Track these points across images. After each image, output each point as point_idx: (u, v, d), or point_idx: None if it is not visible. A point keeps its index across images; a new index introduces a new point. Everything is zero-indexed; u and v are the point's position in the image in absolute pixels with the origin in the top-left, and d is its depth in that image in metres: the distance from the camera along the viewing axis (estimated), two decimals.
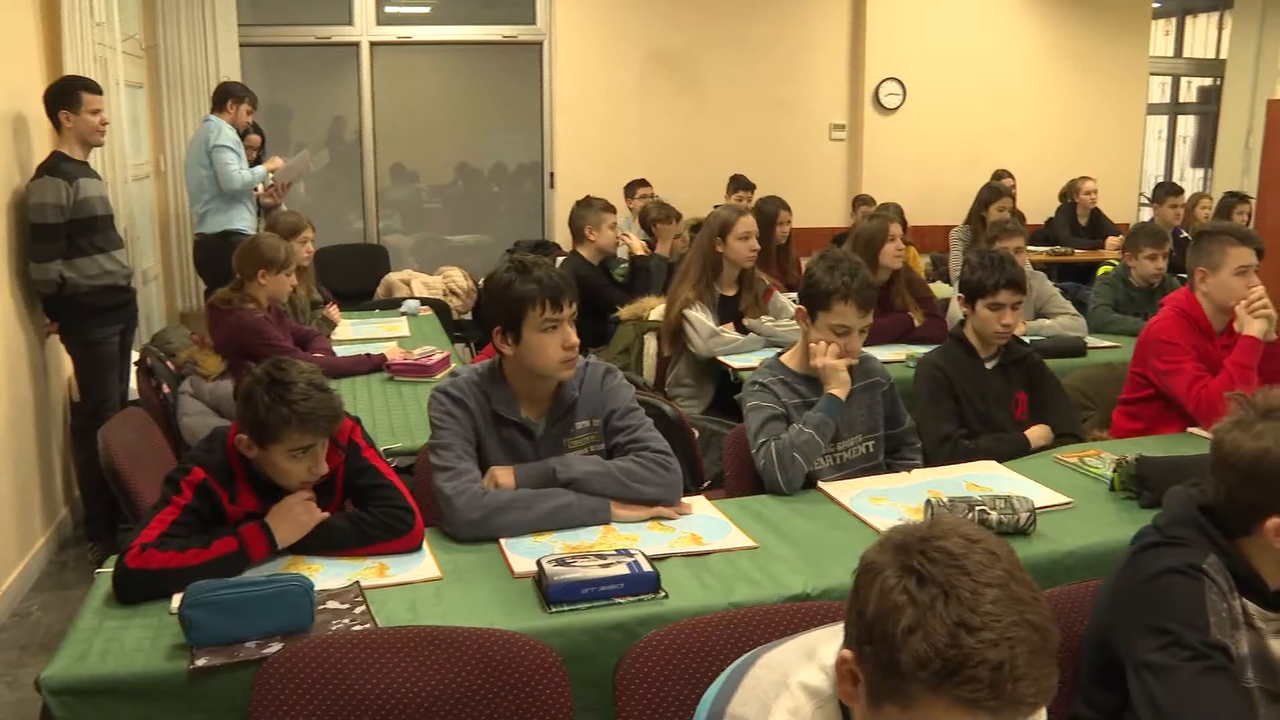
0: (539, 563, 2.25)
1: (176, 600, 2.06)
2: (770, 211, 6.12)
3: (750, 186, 7.91)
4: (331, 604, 2.14)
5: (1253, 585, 1.82)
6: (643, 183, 7.93)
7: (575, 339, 2.64)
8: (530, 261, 2.64)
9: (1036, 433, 3.36)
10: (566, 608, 2.15)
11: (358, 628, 2.04)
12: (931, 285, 5.67)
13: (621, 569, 2.22)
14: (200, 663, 1.94)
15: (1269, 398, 1.82)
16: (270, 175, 6.45)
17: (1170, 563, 1.81)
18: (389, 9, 8.31)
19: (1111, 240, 8.04)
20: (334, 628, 2.04)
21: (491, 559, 2.41)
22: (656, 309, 4.67)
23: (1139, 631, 1.79)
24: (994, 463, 3.05)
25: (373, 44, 8.20)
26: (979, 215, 6.97)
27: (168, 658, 1.98)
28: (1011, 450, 3.22)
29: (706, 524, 2.61)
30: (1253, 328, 3.44)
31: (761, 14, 8.79)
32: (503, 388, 2.69)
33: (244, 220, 6.25)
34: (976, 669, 1.15)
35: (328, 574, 2.30)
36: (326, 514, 2.43)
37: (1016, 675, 1.15)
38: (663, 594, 2.21)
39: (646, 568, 2.24)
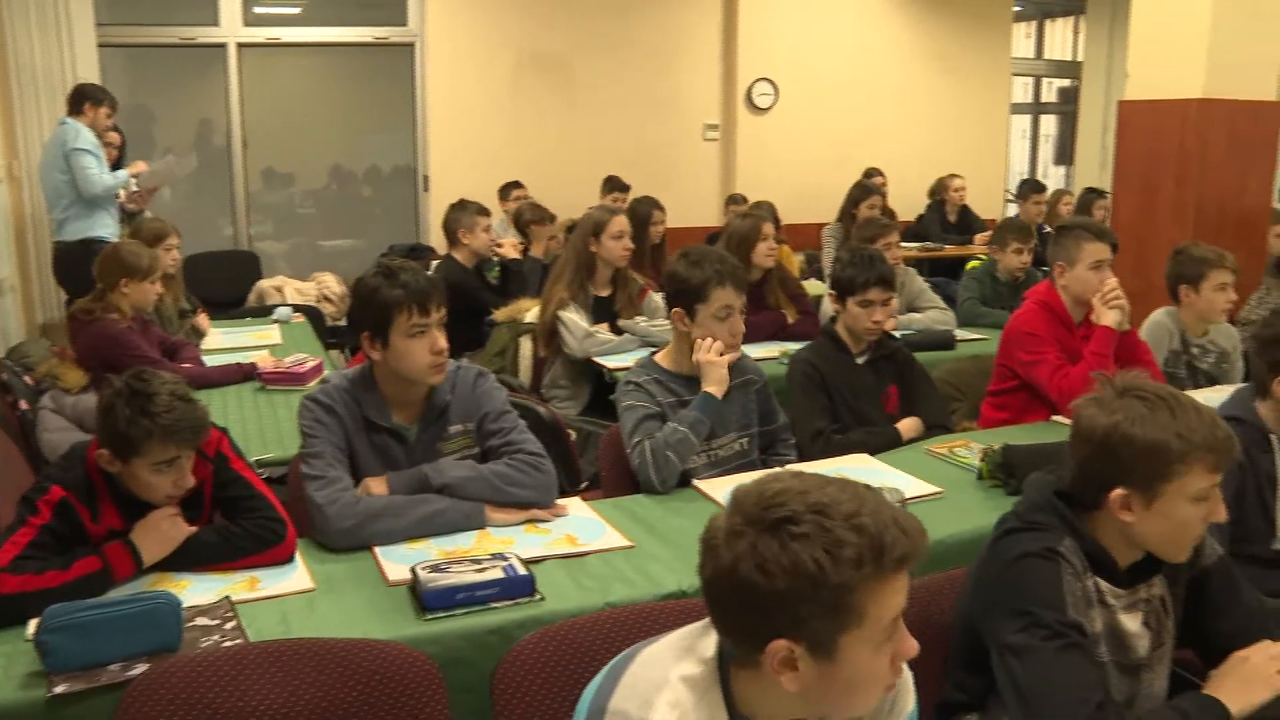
0: (413, 569, 2.22)
1: (33, 625, 1.98)
2: (643, 212, 6.15)
3: (625, 187, 7.94)
4: (200, 620, 2.08)
5: (1104, 564, 1.89)
6: (517, 184, 7.90)
7: (444, 343, 2.62)
8: (397, 266, 2.61)
9: (907, 425, 3.44)
10: (442, 614, 2.13)
11: (228, 644, 1.99)
12: (805, 283, 5.77)
13: (497, 573, 2.21)
14: (59, 690, 1.86)
15: (1127, 378, 1.90)
16: (134, 180, 6.26)
17: (1028, 547, 1.87)
18: (257, 9, 8.12)
19: (980, 236, 8.26)
20: (203, 645, 1.99)
21: (366, 568, 2.38)
22: (532, 311, 4.66)
23: (1001, 614, 1.85)
24: (866, 455, 3.12)
25: (240, 45, 7.99)
26: (850, 213, 7.10)
27: (23, 686, 1.90)
28: (883, 443, 3.29)
29: (582, 525, 2.61)
30: (1108, 318, 3.57)
31: (634, 15, 8.83)
32: (374, 394, 2.65)
33: (106, 227, 6.05)
34: (893, 544, 1.31)
35: (196, 590, 2.24)
36: (194, 528, 2.37)
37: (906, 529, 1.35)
38: (539, 597, 2.21)
39: (522, 571, 2.23)
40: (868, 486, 1.40)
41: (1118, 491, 1.84)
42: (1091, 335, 3.65)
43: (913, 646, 1.41)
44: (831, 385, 3.41)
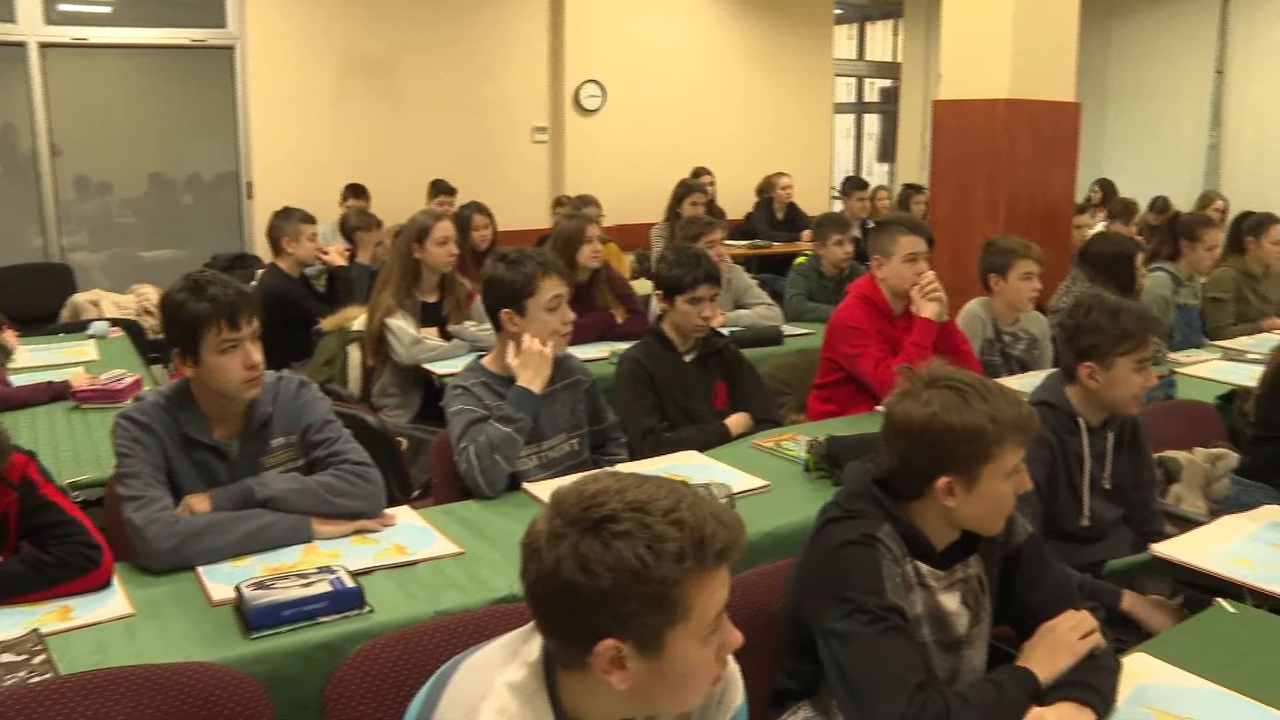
0: (238, 588, 2.17)
1: None
2: (465, 216, 6.12)
3: (451, 190, 7.88)
4: (5, 657, 1.98)
5: (922, 548, 1.97)
6: (358, 190, 7.76)
7: (257, 357, 2.54)
8: (205, 279, 2.52)
9: (736, 420, 3.51)
10: (268, 632, 2.09)
11: (36, 679, 1.90)
12: (636, 282, 5.82)
13: (324, 586, 2.18)
14: None
15: (932, 369, 1.98)
16: None
17: (848, 535, 1.93)
18: (61, 7, 7.72)
19: (806, 233, 8.45)
20: (7, 683, 1.89)
21: (189, 589, 2.31)
22: (359, 319, 4.59)
23: (824, 602, 1.90)
24: (695, 452, 3.16)
25: (43, 45, 7.58)
26: (675, 212, 7.20)
27: None
28: (712, 439, 3.35)
29: (411, 533, 2.59)
30: (927, 310, 3.70)
31: (460, 18, 8.77)
32: (191, 409, 2.57)
33: None
34: (713, 536, 1.34)
35: (1, 624, 2.13)
36: None
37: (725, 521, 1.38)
38: (368, 609, 2.18)
39: (350, 583, 2.20)
40: (684, 482, 1.43)
41: (942, 480, 1.92)
42: (912, 327, 3.78)
43: (737, 638, 1.44)
44: (660, 383, 3.45)
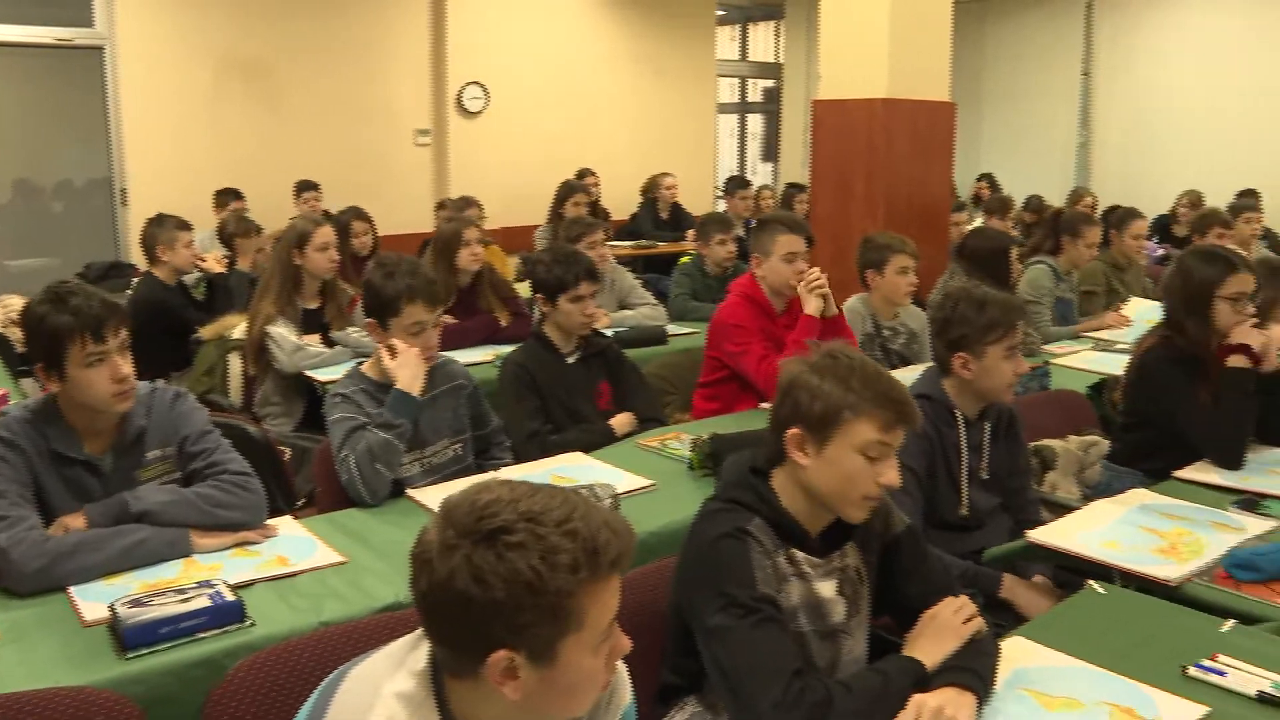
0: (112, 606, 2.10)
1: None
2: (344, 222, 6.04)
3: (314, 186, 7.78)
4: None
5: (796, 534, 2.00)
6: (234, 194, 7.59)
7: (126, 369, 2.46)
8: (67, 290, 2.43)
9: (620, 420, 3.51)
10: (145, 651, 2.03)
11: None
12: (522, 285, 5.79)
13: (203, 601, 2.12)
14: None
15: (832, 345, 2.06)
16: None
17: (721, 529, 1.96)
18: None
19: (691, 233, 8.49)
20: None
21: (58, 610, 2.22)
22: (239, 327, 4.49)
23: (700, 597, 1.92)
24: (580, 454, 3.16)
25: None
26: (557, 213, 7.19)
27: None
28: (596, 440, 3.35)
29: (293, 544, 2.54)
30: (810, 305, 3.76)
31: (340, 18, 8.65)
32: (59, 424, 2.48)
33: None
34: (607, 546, 1.34)
35: None
36: None
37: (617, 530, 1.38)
38: (249, 623, 2.13)
39: (230, 597, 2.15)
40: (575, 491, 1.43)
41: (793, 430, 1.96)
42: (795, 323, 3.84)
43: (626, 644, 1.45)
44: (543, 386, 3.44)
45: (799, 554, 2.00)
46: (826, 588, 2.01)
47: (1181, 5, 10.66)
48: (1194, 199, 8.88)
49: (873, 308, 4.35)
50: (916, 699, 1.83)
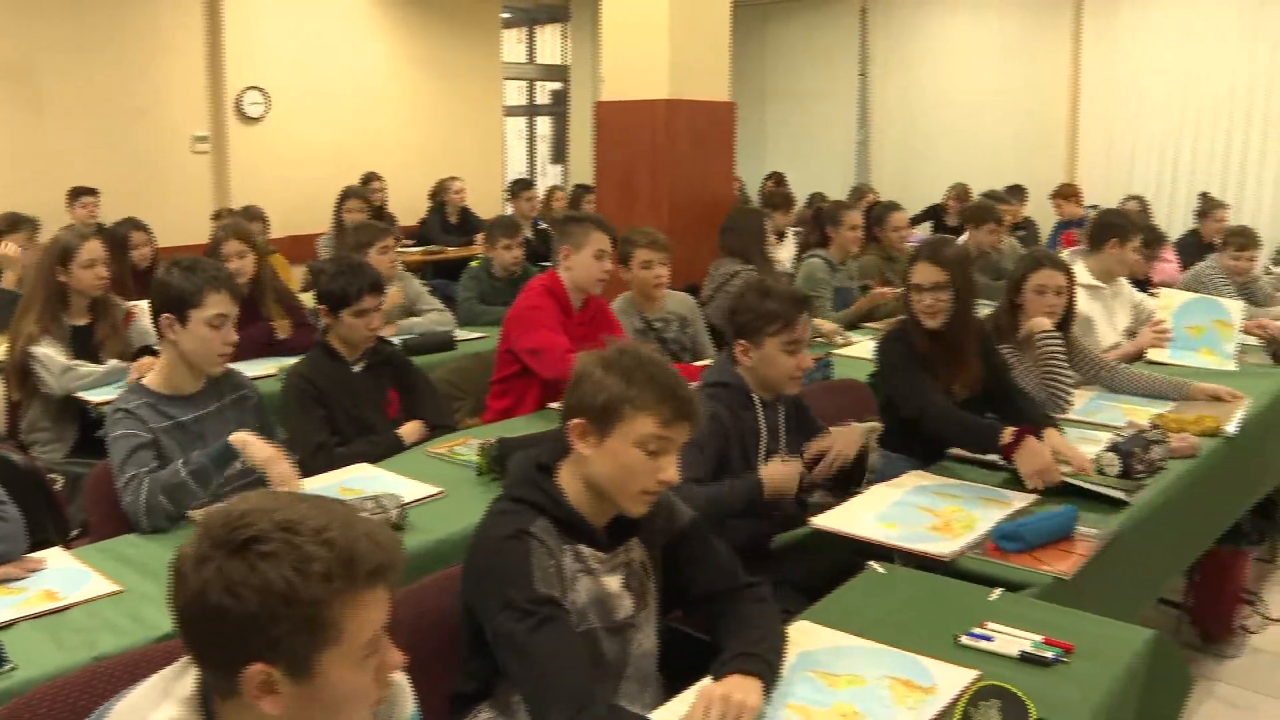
0: None
1: None
2: (120, 234, 5.76)
3: (93, 191, 7.41)
4: None
5: (582, 530, 2.01)
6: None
7: None
8: None
9: (409, 429, 3.45)
10: None
11: None
12: (308, 295, 5.64)
13: None
14: None
15: (626, 342, 2.10)
16: None
17: (501, 530, 1.95)
18: None
19: (480, 236, 8.44)
20: None
21: None
22: (0, 349, 4.21)
23: (484, 600, 1.92)
24: (367, 465, 3.10)
25: None
26: (340, 220, 7.05)
27: None
28: (385, 450, 3.28)
29: (64, 577, 2.40)
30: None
31: (107, 17, 8.22)
32: None
33: None
34: (365, 556, 1.31)
35: None
36: None
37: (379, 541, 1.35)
38: (10, 666, 2.00)
39: None
40: (344, 502, 1.40)
41: (577, 420, 1.98)
42: (590, 322, 3.88)
43: (397, 658, 1.41)
44: (329, 397, 3.35)
45: (585, 549, 2.00)
46: (613, 582, 2.03)
47: (948, 11, 11.20)
48: (961, 192, 9.38)
49: (634, 304, 4.42)
50: (705, 688, 1.86)
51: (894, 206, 6.30)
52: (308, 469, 3.15)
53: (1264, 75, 9.49)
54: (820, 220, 5.89)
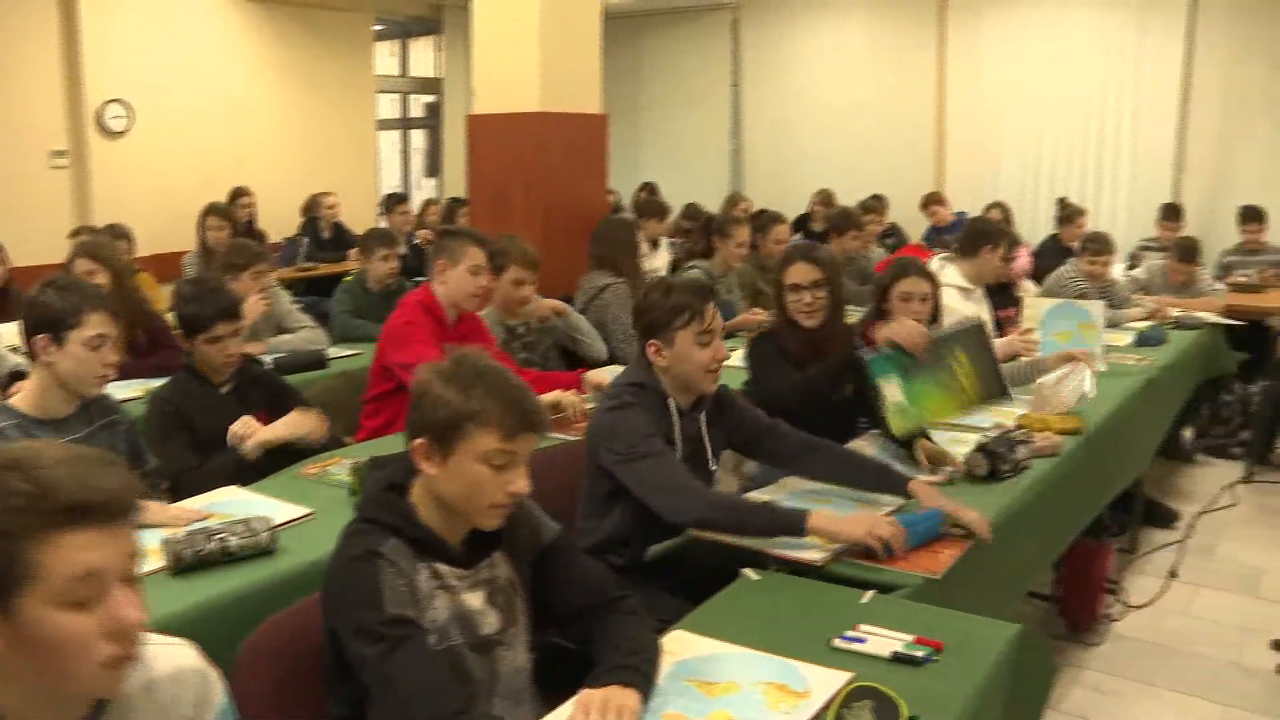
0: None
1: None
2: None
3: None
4: None
5: (438, 548, 1.98)
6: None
7: None
8: None
9: (290, 420, 3.33)
10: None
11: None
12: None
13: None
14: None
15: (466, 351, 2.03)
16: None
17: (352, 551, 1.92)
18: None
19: (353, 252, 8.30)
20: None
21: None
22: None
23: (341, 625, 1.89)
24: (237, 488, 3.02)
25: None
26: (203, 239, 6.88)
27: None
28: (253, 472, 3.19)
29: None
30: None
31: None
32: None
33: None
34: (67, 490, 1.25)
35: None
36: None
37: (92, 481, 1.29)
38: None
39: None
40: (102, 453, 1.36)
41: (419, 441, 1.94)
42: (465, 337, 3.86)
43: (131, 614, 1.31)
44: (196, 420, 3.25)
45: (442, 567, 1.97)
46: (474, 599, 2.00)
47: (818, 22, 11.39)
48: (825, 197, 9.63)
49: (498, 312, 4.44)
50: (584, 695, 1.86)
51: (778, 218, 6.39)
52: (176, 494, 3.07)
53: (1117, 86, 9.88)
54: (709, 230, 5.94)
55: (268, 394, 3.47)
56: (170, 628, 1.94)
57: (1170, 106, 9.64)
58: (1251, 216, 7.87)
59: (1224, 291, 6.85)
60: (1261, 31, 9.26)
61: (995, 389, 3.42)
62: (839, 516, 2.58)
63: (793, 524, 2.56)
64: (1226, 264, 7.94)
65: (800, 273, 3.50)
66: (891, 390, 3.31)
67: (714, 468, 2.96)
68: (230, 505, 2.84)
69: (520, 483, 1.95)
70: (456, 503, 1.96)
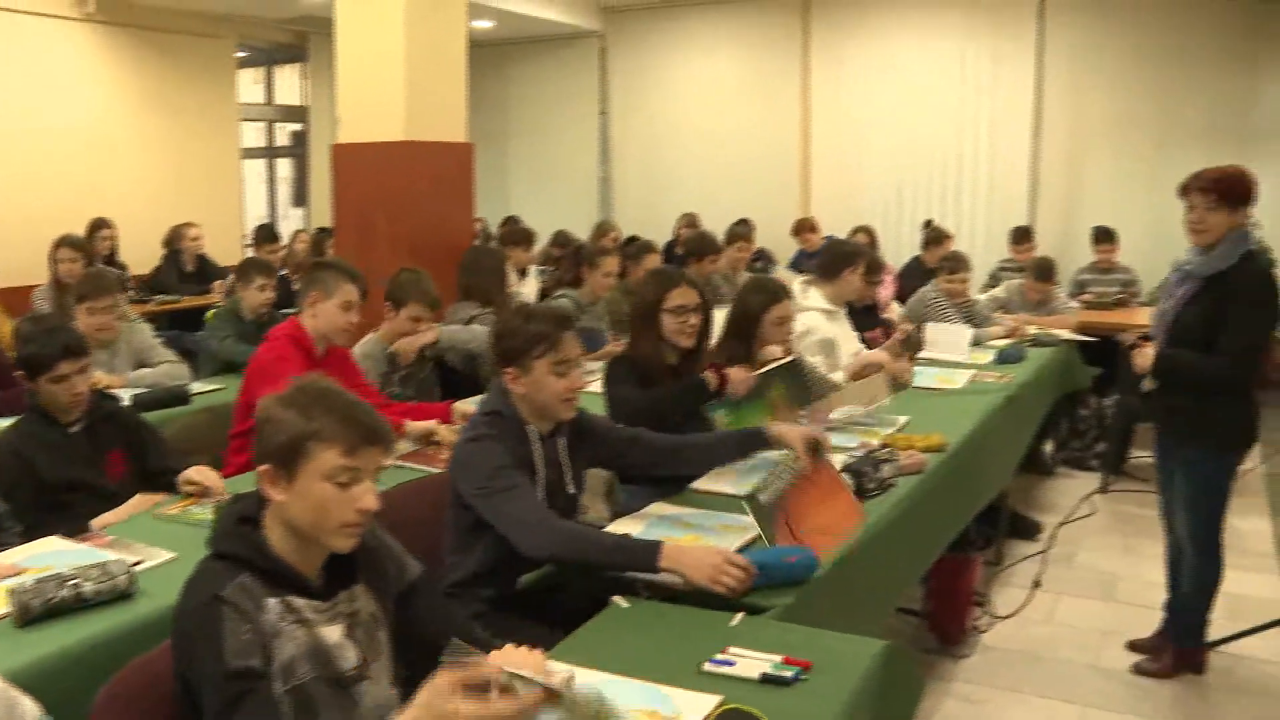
0: None
1: None
2: None
3: None
4: None
5: (291, 580, 1.92)
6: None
7: None
8: None
9: (136, 501, 3.20)
10: None
11: None
12: None
13: None
14: None
15: (311, 378, 2.00)
16: None
17: (195, 599, 1.86)
18: None
19: (219, 284, 8.10)
20: None
21: None
22: None
23: (188, 672, 1.83)
24: (57, 538, 2.83)
25: None
26: (54, 273, 6.65)
27: None
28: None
29: None
30: None
31: None
32: None
33: None
34: None
35: None
36: None
37: None
38: None
39: None
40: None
41: (264, 468, 1.90)
42: (333, 368, 3.80)
43: None
44: (41, 465, 3.09)
45: (296, 600, 1.91)
46: (332, 632, 1.94)
47: (685, 50, 11.53)
48: (691, 220, 9.79)
49: (382, 344, 4.44)
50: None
51: (649, 247, 6.48)
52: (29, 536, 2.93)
53: (974, 114, 10.26)
54: (578, 259, 5.96)
55: (123, 432, 3.33)
56: (20, 680, 1.86)
57: (1024, 133, 10.05)
58: (1103, 237, 8.24)
59: (1078, 309, 7.14)
60: (1103, 64, 9.74)
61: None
62: (690, 553, 2.53)
63: (645, 561, 2.53)
64: (1081, 281, 8.29)
65: (686, 295, 3.61)
66: (719, 418, 3.62)
67: (573, 491, 2.95)
68: (74, 555, 2.67)
69: (368, 499, 1.92)
70: (307, 527, 1.91)
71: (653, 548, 2.53)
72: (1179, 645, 4.06)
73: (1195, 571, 3.96)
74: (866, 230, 8.97)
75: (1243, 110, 9.33)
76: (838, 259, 5.07)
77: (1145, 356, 3.84)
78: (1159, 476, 4.16)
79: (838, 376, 4.78)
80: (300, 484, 1.89)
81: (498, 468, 2.69)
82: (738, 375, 3.56)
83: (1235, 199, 3.66)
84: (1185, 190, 3.75)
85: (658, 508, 3.08)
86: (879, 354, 4.87)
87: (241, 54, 11.27)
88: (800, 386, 3.64)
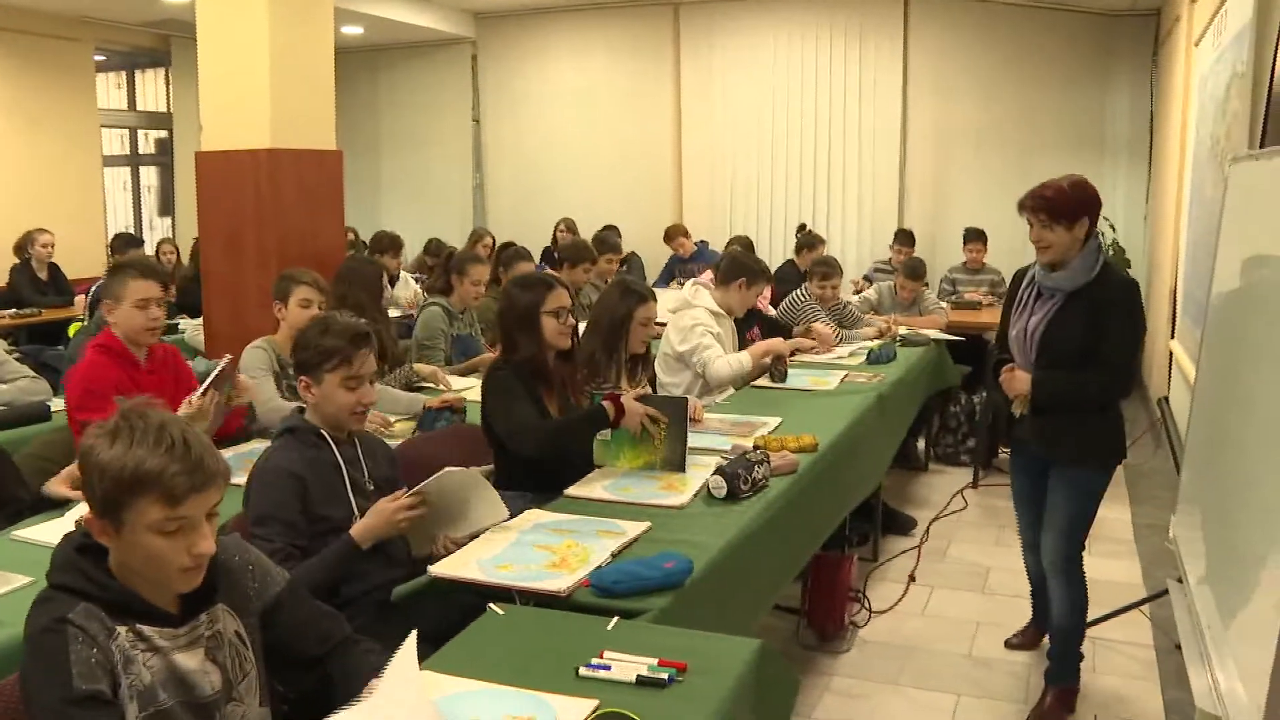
0: None
1: None
2: None
3: None
4: None
5: (142, 610, 1.84)
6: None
7: None
8: None
9: None
10: None
11: None
12: None
13: None
14: None
15: (134, 404, 1.83)
16: None
17: (39, 622, 1.77)
18: None
19: (80, 299, 7.81)
20: None
21: None
22: None
23: (29, 703, 1.75)
24: None
25: None
26: None
27: None
28: None
29: None
30: None
31: None
32: None
33: None
34: None
35: None
36: None
37: None
38: None
39: None
40: None
41: (88, 516, 1.80)
42: (158, 371, 3.79)
43: None
44: None
45: (146, 629, 1.83)
46: (190, 658, 1.87)
47: (557, 57, 11.53)
48: (569, 224, 9.91)
49: (274, 343, 4.34)
50: None
51: (522, 254, 6.47)
52: None
53: (843, 119, 10.48)
54: (449, 267, 5.91)
55: None
56: None
57: (893, 138, 10.30)
58: (974, 237, 8.49)
59: (947, 309, 7.34)
60: (966, 75, 10.04)
61: (676, 461, 3.57)
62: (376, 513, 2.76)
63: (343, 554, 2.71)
64: (952, 280, 8.53)
65: (561, 298, 3.68)
66: (598, 448, 3.65)
67: (371, 487, 2.93)
68: None
69: (204, 542, 1.81)
70: (143, 572, 1.82)
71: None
72: (1059, 685, 3.80)
73: (1065, 599, 3.76)
74: (741, 240, 9.05)
75: (1097, 121, 9.72)
76: (738, 269, 5.28)
77: (1020, 381, 3.67)
78: (1020, 502, 4.02)
79: (743, 357, 5.05)
80: (127, 534, 1.77)
81: (276, 501, 2.74)
82: (632, 407, 3.56)
83: (1067, 214, 3.49)
84: (1021, 209, 3.59)
85: (531, 515, 3.07)
86: (778, 341, 5.19)
87: (100, 58, 10.92)
88: (679, 435, 3.59)
